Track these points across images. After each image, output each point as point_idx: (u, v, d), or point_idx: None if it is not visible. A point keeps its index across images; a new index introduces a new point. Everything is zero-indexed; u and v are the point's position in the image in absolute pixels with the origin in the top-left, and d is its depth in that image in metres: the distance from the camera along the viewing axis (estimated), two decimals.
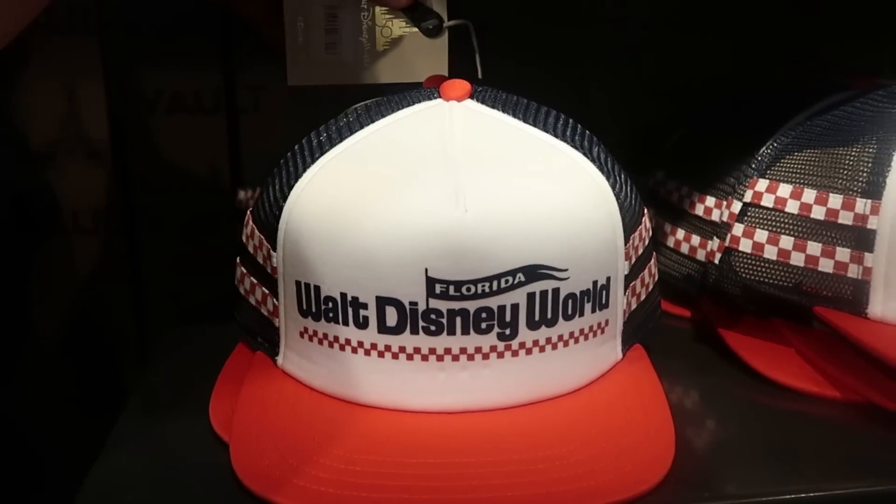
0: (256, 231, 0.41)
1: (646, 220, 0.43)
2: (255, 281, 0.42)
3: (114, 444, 0.40)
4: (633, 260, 0.41)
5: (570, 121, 0.42)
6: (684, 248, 0.53)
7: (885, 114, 0.45)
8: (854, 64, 0.65)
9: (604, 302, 0.40)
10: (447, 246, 0.36)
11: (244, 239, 0.42)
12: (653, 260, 0.44)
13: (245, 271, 0.42)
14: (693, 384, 0.46)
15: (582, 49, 0.65)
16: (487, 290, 0.36)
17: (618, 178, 0.41)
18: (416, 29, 0.45)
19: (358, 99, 0.44)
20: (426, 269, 0.36)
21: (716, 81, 0.64)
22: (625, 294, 0.41)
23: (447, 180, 0.37)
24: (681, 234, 0.54)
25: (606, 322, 0.40)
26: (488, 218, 0.36)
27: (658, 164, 0.59)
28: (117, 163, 0.62)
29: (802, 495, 0.35)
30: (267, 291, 0.41)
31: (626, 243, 0.40)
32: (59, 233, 0.63)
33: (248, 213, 0.42)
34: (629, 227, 0.40)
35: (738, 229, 0.47)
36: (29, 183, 0.62)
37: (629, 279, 0.41)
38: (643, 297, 0.43)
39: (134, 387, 0.47)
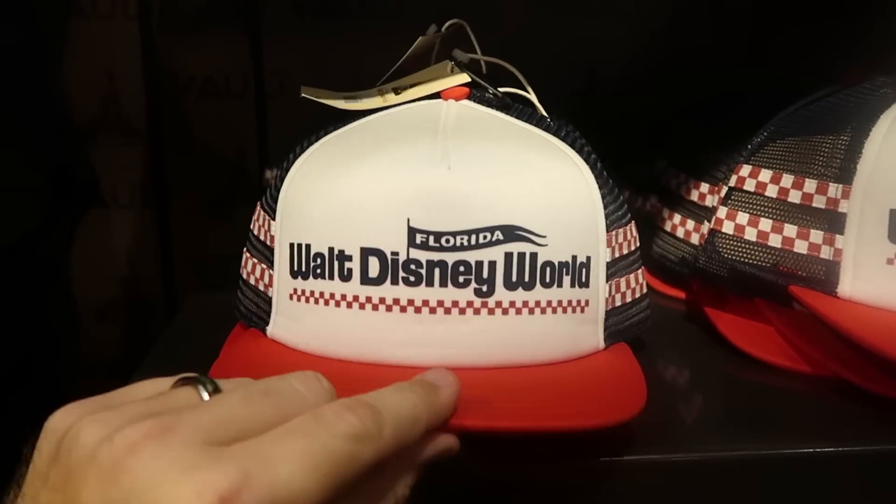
0: (262, 212, 0.44)
1: (632, 227, 0.44)
2: (255, 260, 0.44)
3: None
4: (617, 254, 0.42)
5: (566, 127, 0.44)
6: (680, 233, 0.56)
7: (864, 104, 0.46)
8: (860, 60, 0.66)
9: (584, 280, 0.41)
10: (429, 197, 0.37)
11: (251, 225, 0.45)
12: (640, 271, 0.45)
13: (248, 255, 0.45)
14: (678, 358, 0.48)
15: (591, 41, 0.67)
16: (465, 243, 0.38)
17: (604, 179, 0.42)
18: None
19: None
20: (408, 219, 0.37)
21: (723, 74, 0.66)
22: (607, 282, 0.42)
23: (435, 145, 0.39)
24: (677, 218, 0.56)
25: (587, 302, 0.41)
26: (469, 176, 0.38)
27: (661, 154, 0.61)
28: (152, 142, 0.66)
29: (759, 452, 0.38)
30: (265, 266, 0.43)
31: (608, 230, 0.41)
32: (99, 206, 0.67)
33: (258, 203, 0.45)
34: (612, 218, 0.42)
35: (721, 212, 0.49)
36: (72, 159, 0.67)
37: (612, 270, 0.42)
38: (629, 298, 0.44)
39: (154, 344, 0.51)
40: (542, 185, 0.40)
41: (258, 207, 0.45)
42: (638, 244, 0.45)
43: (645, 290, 0.46)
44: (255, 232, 0.44)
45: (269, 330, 0.43)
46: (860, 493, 0.38)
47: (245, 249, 0.46)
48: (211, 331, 0.47)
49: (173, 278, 0.68)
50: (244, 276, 0.45)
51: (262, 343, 0.42)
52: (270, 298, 0.43)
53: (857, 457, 0.38)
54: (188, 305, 0.57)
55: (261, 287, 0.43)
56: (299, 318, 0.41)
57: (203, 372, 0.42)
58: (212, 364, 0.43)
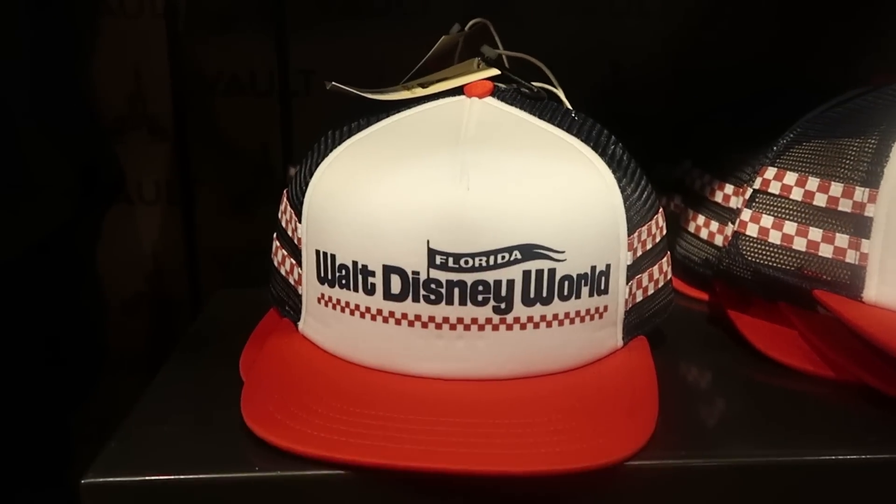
0: (288, 206, 0.44)
1: (658, 218, 0.44)
2: (285, 253, 0.45)
3: (158, 384, 0.44)
4: (640, 253, 0.42)
5: (590, 120, 0.44)
6: (703, 234, 0.56)
7: (892, 106, 0.46)
8: (888, 61, 0.65)
9: (602, 288, 0.41)
10: (448, 220, 0.38)
11: (279, 215, 0.46)
12: (665, 258, 0.45)
13: (279, 245, 0.46)
14: (700, 361, 0.48)
15: (616, 39, 0.67)
16: (484, 264, 0.38)
17: (629, 175, 0.42)
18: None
19: None
20: (428, 241, 0.38)
21: (748, 73, 0.66)
22: (627, 284, 0.42)
23: (454, 160, 0.39)
24: (701, 219, 0.56)
25: (605, 308, 0.42)
26: (488, 197, 0.38)
27: (686, 154, 0.61)
28: (178, 139, 0.67)
29: (780, 459, 0.37)
30: (294, 262, 0.44)
31: (629, 234, 0.41)
32: (125, 201, 0.68)
33: (284, 192, 0.46)
34: (634, 220, 0.42)
35: (745, 214, 0.49)
36: (100, 156, 0.68)
37: (633, 270, 0.42)
38: (651, 291, 0.44)
39: (181, 337, 0.51)
40: (561, 200, 0.40)
41: (284, 198, 0.46)
42: (664, 233, 0.45)
43: (668, 277, 0.46)
44: (283, 225, 0.45)
45: (301, 327, 0.44)
46: (884, 500, 0.38)
47: (275, 236, 0.47)
48: (235, 326, 0.48)
49: (198, 274, 0.69)
50: (275, 263, 0.46)
51: (294, 340, 0.44)
52: (301, 296, 0.44)
53: (882, 464, 0.38)
54: (213, 301, 0.58)
55: (291, 281, 0.45)
56: (328, 323, 0.42)
57: (231, 364, 0.43)
58: (238, 359, 0.44)
